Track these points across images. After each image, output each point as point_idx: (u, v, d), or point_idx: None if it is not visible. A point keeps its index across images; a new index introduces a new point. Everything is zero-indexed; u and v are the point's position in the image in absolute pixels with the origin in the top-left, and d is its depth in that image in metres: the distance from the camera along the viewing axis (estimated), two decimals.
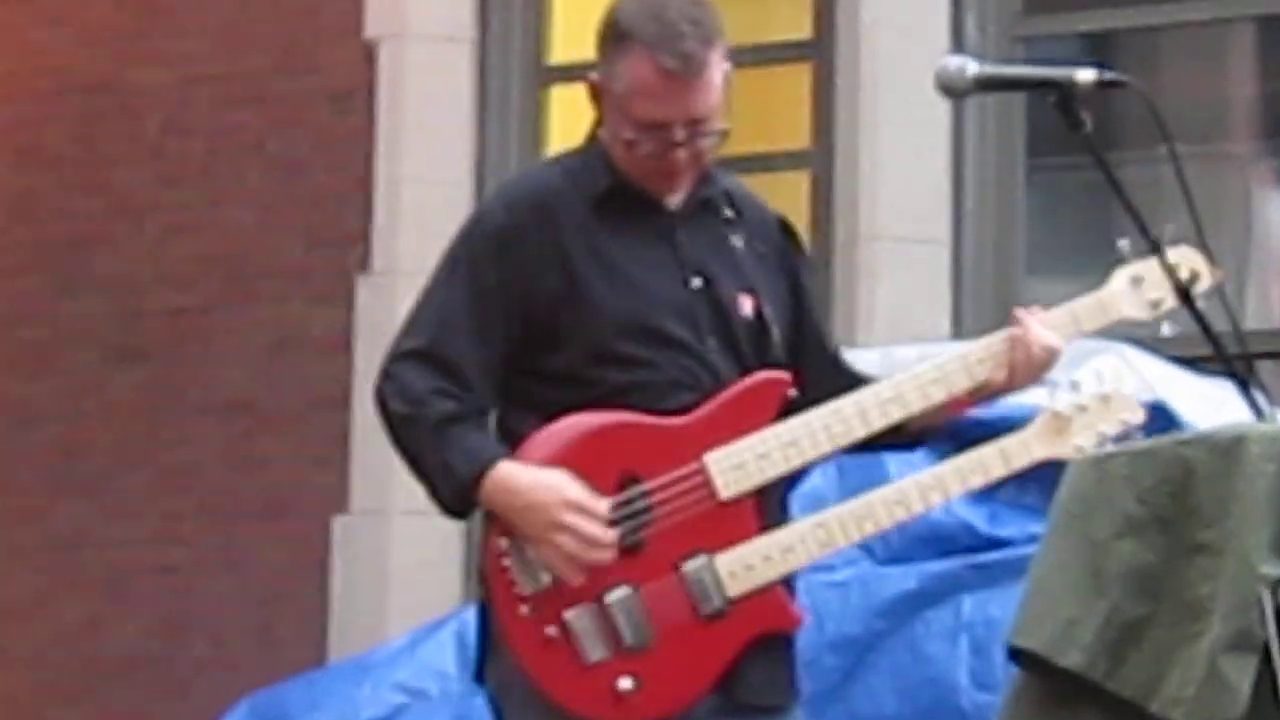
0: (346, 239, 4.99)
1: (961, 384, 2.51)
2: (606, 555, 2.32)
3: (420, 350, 2.38)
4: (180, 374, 5.06)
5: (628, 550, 2.35)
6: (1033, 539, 2.74)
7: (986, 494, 3.06)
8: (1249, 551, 2.01)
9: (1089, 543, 2.11)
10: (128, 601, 4.96)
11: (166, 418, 5.05)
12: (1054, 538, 2.19)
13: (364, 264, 4.97)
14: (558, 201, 2.44)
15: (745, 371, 2.43)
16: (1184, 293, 2.45)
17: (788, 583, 2.50)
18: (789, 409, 2.44)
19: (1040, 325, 2.51)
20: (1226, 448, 2.07)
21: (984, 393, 2.54)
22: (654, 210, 2.45)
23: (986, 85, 2.58)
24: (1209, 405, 3.29)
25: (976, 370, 2.52)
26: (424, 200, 4.89)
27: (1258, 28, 5.13)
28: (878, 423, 2.47)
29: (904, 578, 3.37)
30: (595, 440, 2.38)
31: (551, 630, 2.30)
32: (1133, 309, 2.62)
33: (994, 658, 3.08)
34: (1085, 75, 2.39)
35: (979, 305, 4.77)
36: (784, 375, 2.45)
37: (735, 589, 2.37)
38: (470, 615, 2.96)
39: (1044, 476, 2.58)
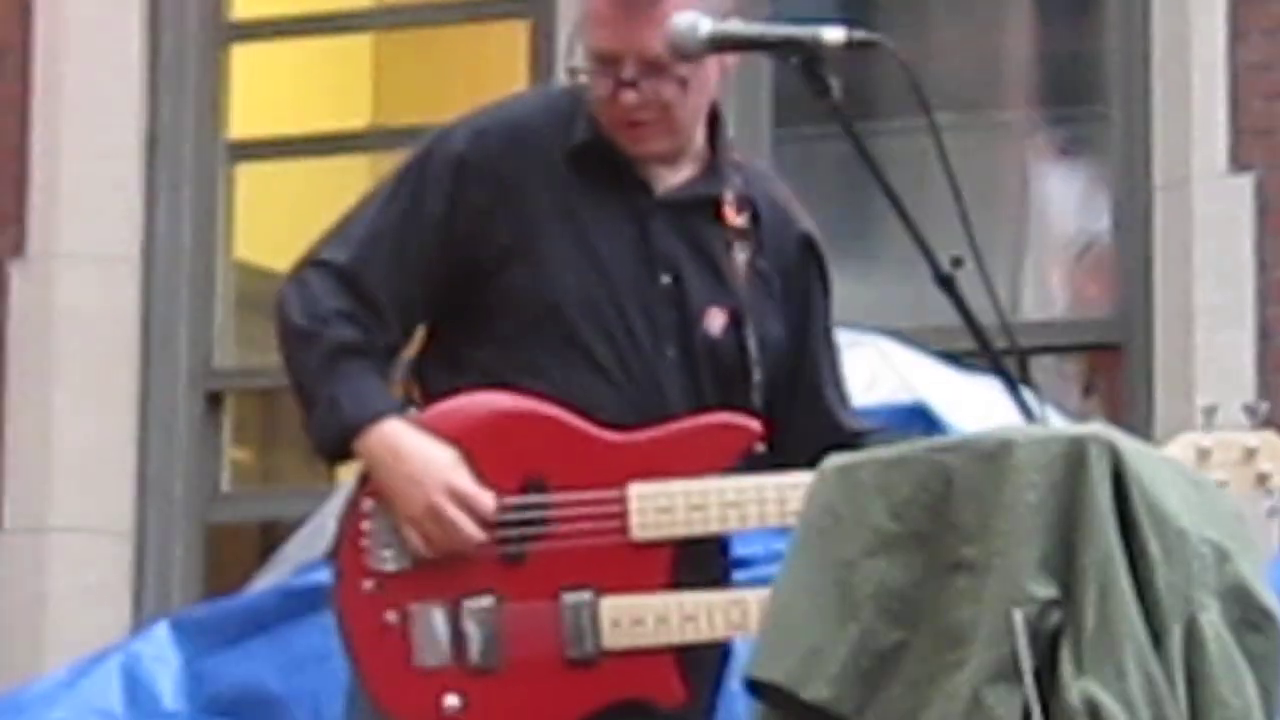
0: None
1: None
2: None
3: (339, 265, 2.29)
4: None
5: (506, 560, 2.26)
6: (777, 557, 2.46)
7: None
8: (1015, 570, 1.90)
9: (837, 561, 2.00)
10: None
11: None
12: (797, 556, 2.08)
13: (17, 248, 4.69)
14: (533, 140, 2.35)
15: (699, 398, 2.32)
16: (946, 281, 2.29)
17: (697, 658, 2.36)
18: (750, 465, 2.31)
19: None
20: (991, 454, 1.97)
21: None
22: (634, 185, 2.36)
23: (721, 45, 2.44)
24: (976, 406, 3.16)
25: None
26: (87, 175, 4.62)
27: None
28: None
29: None
30: (511, 427, 2.28)
31: (391, 616, 2.20)
32: None
33: (728, 690, 2.87)
34: (833, 35, 2.26)
35: None
36: (755, 425, 2.31)
37: (614, 640, 2.25)
38: (140, 647, 2.91)
39: None
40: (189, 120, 4.76)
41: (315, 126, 5.17)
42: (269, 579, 3.58)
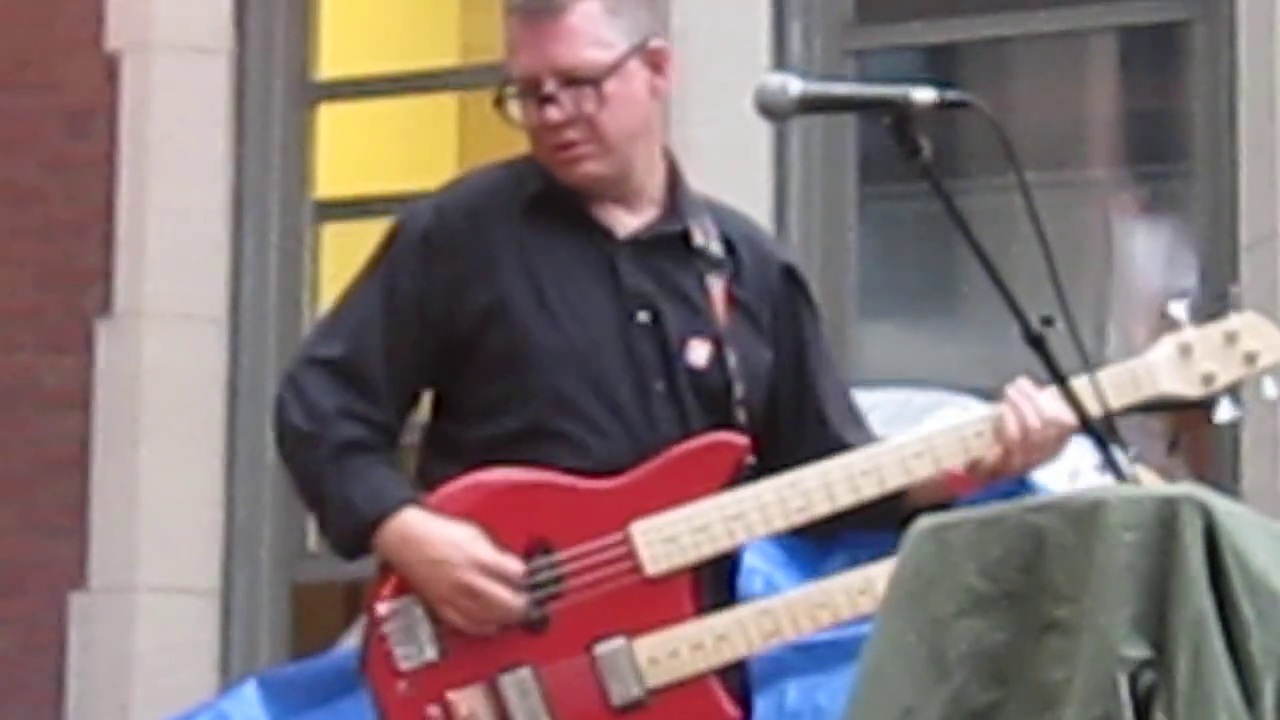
0: (84, 277, 4.69)
1: (953, 458, 2.38)
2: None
3: (334, 360, 2.30)
4: None
5: (530, 628, 2.26)
6: (865, 618, 2.53)
7: (814, 565, 2.93)
8: (1108, 630, 1.90)
9: (929, 621, 2.01)
10: None
11: None
12: (889, 616, 2.08)
13: (104, 306, 4.68)
14: (493, 206, 2.37)
15: (688, 428, 2.32)
16: (1037, 340, 2.29)
17: (733, 677, 2.37)
18: (746, 480, 2.32)
19: (1046, 397, 2.36)
20: (1083, 514, 1.97)
21: (981, 471, 2.40)
22: (595, 230, 2.36)
23: (812, 106, 2.46)
24: (1065, 466, 3.00)
25: (973, 444, 2.39)
26: (173, 234, 4.63)
27: (1116, 40, 5.06)
28: (845, 498, 2.33)
29: None
30: (504, 500, 2.29)
31: (433, 712, 2.20)
32: (1177, 383, 2.50)
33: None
34: (924, 95, 2.26)
35: None
36: (740, 438, 2.32)
37: (656, 678, 2.25)
38: (228, 706, 2.92)
39: (878, 544, 2.46)
40: (275, 180, 4.78)
41: (401, 186, 5.01)
42: (356, 638, 3.53)
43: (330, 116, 4.82)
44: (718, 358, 2.35)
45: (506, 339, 2.29)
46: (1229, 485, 4.27)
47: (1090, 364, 2.39)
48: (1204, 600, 1.87)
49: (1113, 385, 2.47)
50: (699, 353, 2.34)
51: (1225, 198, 4.46)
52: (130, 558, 4.35)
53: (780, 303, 2.45)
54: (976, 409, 2.95)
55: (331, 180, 4.89)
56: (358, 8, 5.31)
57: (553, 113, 2.33)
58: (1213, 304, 2.61)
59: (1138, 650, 1.87)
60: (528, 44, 2.38)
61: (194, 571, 4.47)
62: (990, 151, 2.59)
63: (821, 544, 2.72)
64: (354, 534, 2.27)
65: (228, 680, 4.13)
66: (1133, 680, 1.86)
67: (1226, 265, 4.50)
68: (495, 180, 2.42)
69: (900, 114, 2.24)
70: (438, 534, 2.23)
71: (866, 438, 2.43)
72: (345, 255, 4.92)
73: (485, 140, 5.43)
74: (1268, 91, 4.42)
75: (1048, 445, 2.39)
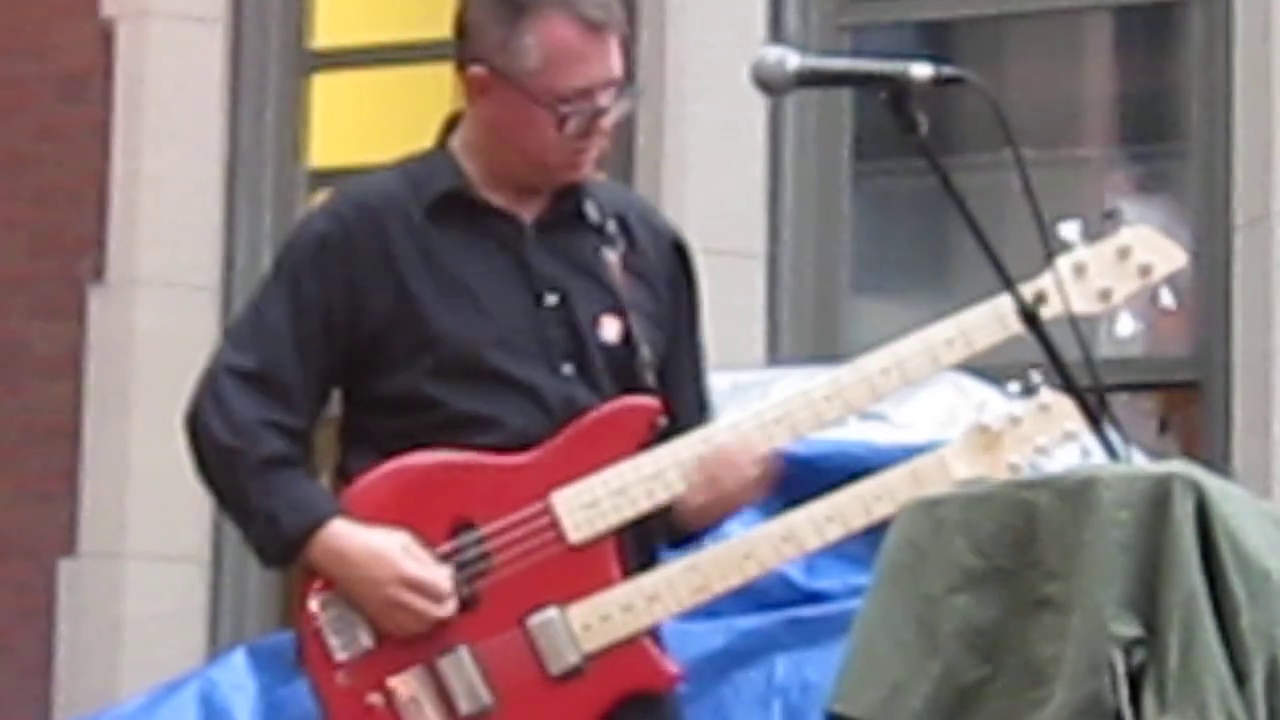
0: (77, 244, 4.69)
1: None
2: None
3: (250, 371, 2.32)
4: None
5: (462, 607, 2.30)
6: (856, 592, 2.59)
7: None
8: (1099, 608, 1.95)
9: (920, 597, 2.08)
10: None
11: None
12: (880, 591, 2.14)
13: (97, 273, 4.68)
14: (390, 207, 2.39)
15: (602, 400, 2.39)
16: (1030, 317, 2.31)
17: (657, 635, 2.43)
18: (661, 440, 2.38)
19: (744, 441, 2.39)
20: (1075, 492, 2.03)
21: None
22: (500, 218, 2.40)
23: (809, 80, 2.49)
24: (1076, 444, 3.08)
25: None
26: (167, 201, 4.63)
27: (1113, 18, 5.09)
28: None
29: (711, 634, 3.25)
30: (423, 485, 2.33)
31: (374, 699, 2.24)
32: (1078, 302, 2.50)
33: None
34: (921, 70, 2.28)
35: (798, 326, 4.60)
36: (650, 400, 2.37)
37: (592, 643, 2.30)
38: (217, 674, 2.95)
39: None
40: (269, 149, 4.80)
41: (395, 156, 5.00)
42: None
43: (325, 86, 4.83)
44: (625, 329, 2.40)
45: (416, 333, 2.32)
46: (1220, 465, 4.26)
47: (1083, 341, 2.36)
48: (1195, 579, 1.91)
49: (1013, 312, 2.47)
50: (610, 329, 2.39)
51: (1220, 177, 4.50)
52: (120, 525, 4.37)
53: (668, 275, 2.49)
54: (965, 385, 2.99)
55: (326, 150, 4.89)
56: None
57: (607, 123, 2.39)
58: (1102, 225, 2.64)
59: (1129, 628, 1.91)
60: (591, 55, 2.39)
61: (184, 539, 4.49)
62: (986, 130, 2.61)
63: None
64: (281, 549, 2.30)
65: (216, 648, 4.16)
66: (1124, 658, 1.91)
67: (1220, 244, 4.53)
68: (390, 180, 2.44)
69: (897, 89, 2.26)
70: (363, 549, 2.27)
71: (701, 421, 2.48)
72: None
73: None
74: (1263, 72, 4.45)
75: (741, 491, 2.40)
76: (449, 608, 2.27)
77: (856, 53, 4.41)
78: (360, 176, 2.66)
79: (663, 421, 2.35)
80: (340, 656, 2.30)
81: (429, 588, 2.26)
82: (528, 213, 2.39)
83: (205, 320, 4.59)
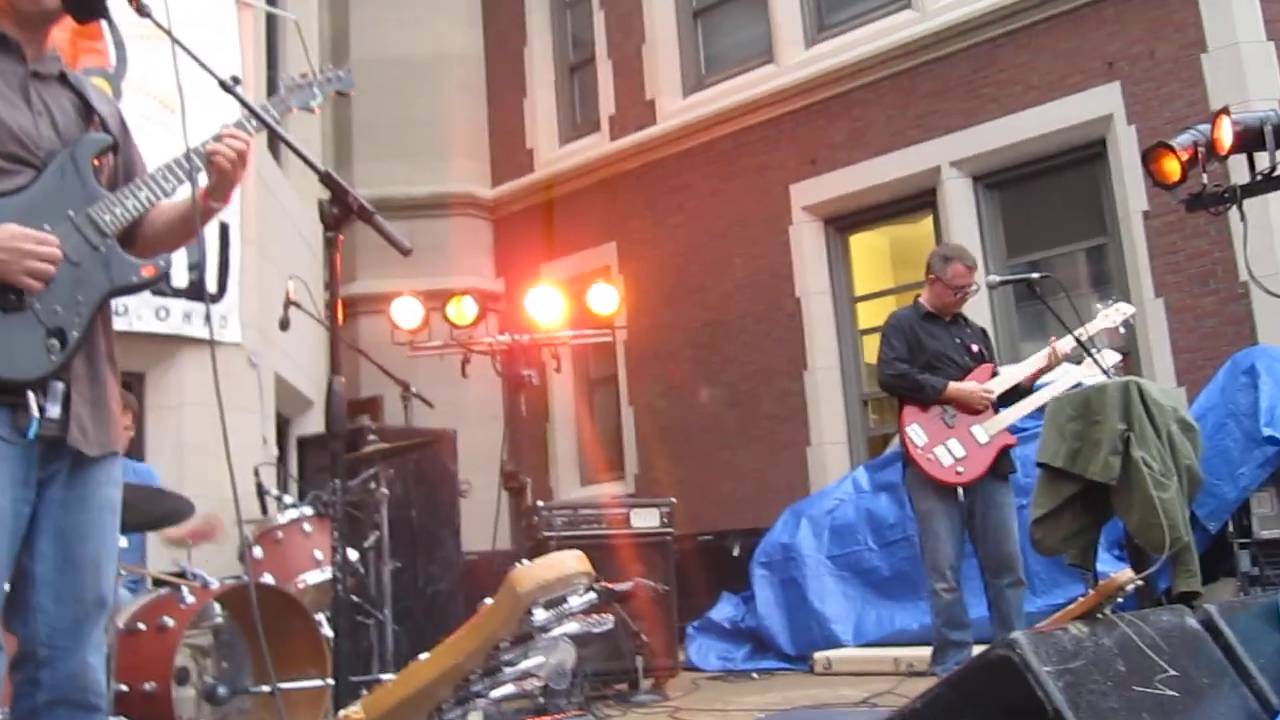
0: None
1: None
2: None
3: None
4: None
5: None
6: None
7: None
8: (1114, 422, 4.61)
9: (1056, 425, 4.82)
10: None
11: None
12: (1048, 425, 4.90)
13: None
14: None
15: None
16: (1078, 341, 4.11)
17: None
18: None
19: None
20: (1096, 390, 4.67)
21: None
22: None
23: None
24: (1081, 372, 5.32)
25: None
26: None
27: None
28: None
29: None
30: None
31: None
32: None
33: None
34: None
35: None
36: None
37: None
38: None
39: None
40: None
41: None
42: None
43: None
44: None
45: None
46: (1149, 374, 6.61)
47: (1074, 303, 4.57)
48: (1139, 409, 4.67)
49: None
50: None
51: None
52: None
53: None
54: None
55: None
56: None
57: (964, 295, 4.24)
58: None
59: (1124, 426, 4.64)
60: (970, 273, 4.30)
61: None
62: None
63: None
64: None
65: None
66: (1122, 437, 4.65)
67: None
68: None
69: None
70: None
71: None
72: None
73: None
74: None
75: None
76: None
77: None
78: None
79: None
80: None
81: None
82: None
83: None
